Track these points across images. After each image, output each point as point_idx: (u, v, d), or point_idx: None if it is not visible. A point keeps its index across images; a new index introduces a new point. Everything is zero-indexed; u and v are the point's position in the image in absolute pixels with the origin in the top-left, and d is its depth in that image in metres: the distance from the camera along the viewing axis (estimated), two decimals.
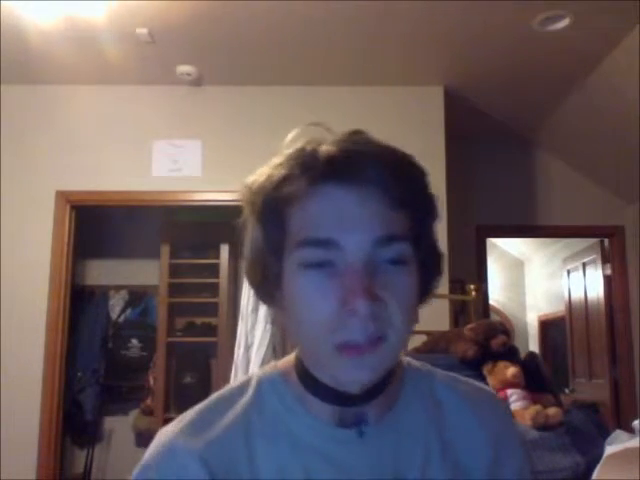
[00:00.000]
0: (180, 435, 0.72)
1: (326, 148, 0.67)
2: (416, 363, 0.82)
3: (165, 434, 0.73)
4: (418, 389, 0.78)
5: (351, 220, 0.64)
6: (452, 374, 0.84)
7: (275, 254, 0.69)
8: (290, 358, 0.78)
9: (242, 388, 0.77)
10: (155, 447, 0.73)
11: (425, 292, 0.73)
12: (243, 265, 0.76)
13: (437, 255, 0.74)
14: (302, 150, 0.69)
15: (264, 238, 0.69)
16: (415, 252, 0.68)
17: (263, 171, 0.70)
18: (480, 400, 0.81)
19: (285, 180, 0.68)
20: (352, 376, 0.66)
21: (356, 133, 0.71)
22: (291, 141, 0.71)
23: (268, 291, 0.72)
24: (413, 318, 0.70)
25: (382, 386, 0.72)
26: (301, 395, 0.74)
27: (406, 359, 0.81)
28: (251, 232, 0.71)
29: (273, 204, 0.68)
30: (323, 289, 0.65)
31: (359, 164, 0.65)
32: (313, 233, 0.65)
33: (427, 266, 0.71)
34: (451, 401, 0.79)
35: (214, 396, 0.78)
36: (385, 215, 0.65)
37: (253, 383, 0.77)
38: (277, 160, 0.70)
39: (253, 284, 0.74)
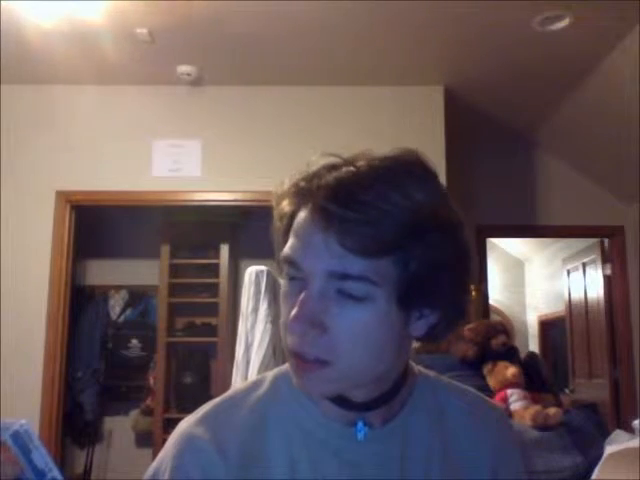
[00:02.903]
0: (197, 425, 0.76)
1: (318, 179, 0.70)
2: (427, 372, 0.85)
3: (183, 425, 0.78)
4: (425, 397, 0.82)
5: (314, 249, 0.68)
6: (460, 384, 0.88)
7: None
8: None
9: (258, 383, 0.82)
10: (173, 436, 0.77)
11: (430, 332, 0.72)
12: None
13: (436, 302, 0.71)
14: (303, 176, 0.73)
15: (277, 250, 0.76)
16: (390, 294, 0.67)
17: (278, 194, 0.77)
18: (482, 411, 0.86)
19: (284, 203, 0.74)
20: (302, 387, 0.72)
21: (364, 162, 0.70)
22: (307, 166, 0.74)
23: None
24: (383, 354, 0.70)
25: (387, 397, 0.76)
26: None
27: (418, 367, 0.84)
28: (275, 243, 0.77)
29: (280, 223, 0.75)
30: (289, 300, 0.70)
31: (333, 204, 0.66)
32: (287, 252, 0.71)
33: (421, 310, 0.71)
34: (455, 410, 0.83)
35: (231, 390, 0.83)
36: (344, 255, 0.66)
37: (269, 378, 0.82)
38: (287, 183, 0.75)
39: None
